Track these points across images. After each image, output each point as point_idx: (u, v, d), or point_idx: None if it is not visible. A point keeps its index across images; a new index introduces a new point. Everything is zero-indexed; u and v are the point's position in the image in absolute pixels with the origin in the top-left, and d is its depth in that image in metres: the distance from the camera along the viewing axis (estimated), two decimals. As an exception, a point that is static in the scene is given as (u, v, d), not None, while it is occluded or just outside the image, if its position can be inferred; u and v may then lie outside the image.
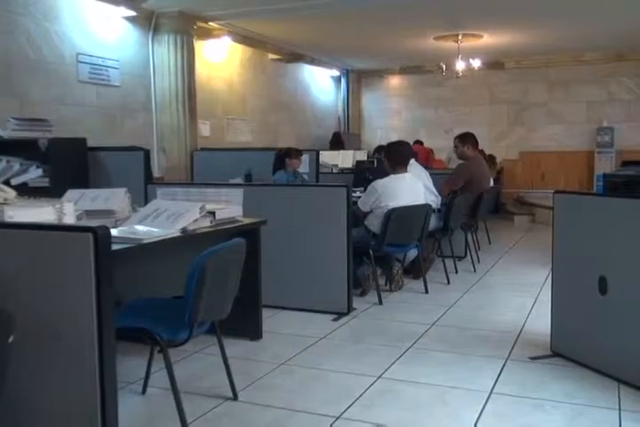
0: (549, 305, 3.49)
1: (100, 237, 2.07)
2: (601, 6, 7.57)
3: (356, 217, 4.76)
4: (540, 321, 3.96)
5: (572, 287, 3.32)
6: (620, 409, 2.75)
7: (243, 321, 3.60)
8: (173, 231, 2.83)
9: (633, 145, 10.83)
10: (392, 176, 4.93)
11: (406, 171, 5.10)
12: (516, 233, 8.80)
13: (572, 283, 3.31)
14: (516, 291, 5.15)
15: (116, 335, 2.18)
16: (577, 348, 3.30)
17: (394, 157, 5.04)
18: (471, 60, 9.95)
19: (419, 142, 10.71)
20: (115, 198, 3.23)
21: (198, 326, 2.50)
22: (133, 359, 3.24)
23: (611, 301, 3.05)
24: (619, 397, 2.88)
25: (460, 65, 9.90)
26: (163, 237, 2.73)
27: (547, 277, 5.11)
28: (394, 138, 10.23)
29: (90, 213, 3.05)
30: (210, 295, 2.44)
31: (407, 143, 5.40)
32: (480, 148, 6.67)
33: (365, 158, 9.55)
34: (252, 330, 3.74)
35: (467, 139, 6.25)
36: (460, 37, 9.18)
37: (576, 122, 11.39)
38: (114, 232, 2.59)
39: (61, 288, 2.12)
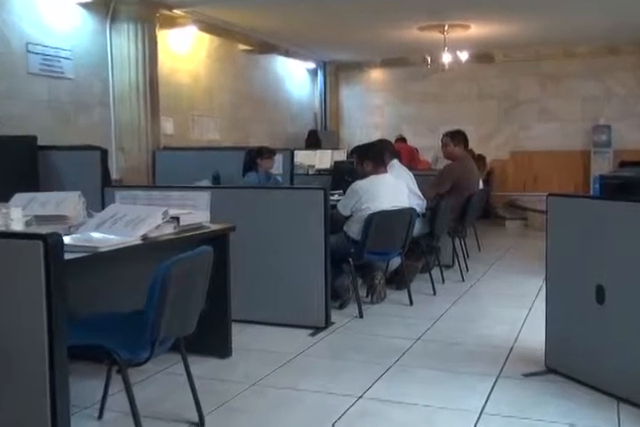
0: (544, 317, 3.52)
1: (52, 245, 2.05)
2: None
3: (334, 222, 4.76)
4: (534, 335, 3.98)
5: (567, 297, 3.34)
6: (619, 429, 2.78)
7: (210, 337, 3.57)
8: (133, 239, 2.81)
9: (631, 144, 10.99)
10: (373, 177, 4.95)
11: (386, 171, 5.11)
12: (507, 239, 8.87)
13: (568, 292, 3.33)
14: (507, 302, 5.18)
15: (69, 354, 2.15)
16: (573, 363, 3.33)
17: (371, 156, 5.05)
18: (458, 53, 10.04)
19: (401, 139, 10.70)
20: (68, 203, 3.20)
21: (161, 343, 2.48)
22: (89, 381, 3.20)
23: (609, 311, 3.08)
24: (618, 416, 2.90)
25: (446, 57, 9.97)
26: (121, 245, 2.71)
27: (540, 287, 5.15)
28: (375, 136, 10.27)
29: (40, 219, 3.02)
30: (173, 309, 2.43)
31: (386, 140, 5.43)
32: (469, 147, 6.71)
33: (344, 158, 9.56)
34: (220, 347, 3.72)
35: (458, 137, 6.27)
36: (446, 28, 9.25)
37: (570, 119, 11.53)
38: (67, 240, 2.56)
39: (8, 302, 2.09)
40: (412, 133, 11.73)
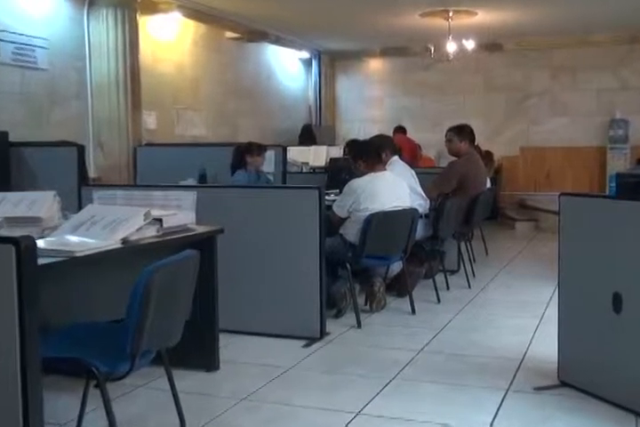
0: (556, 327, 3.52)
1: (24, 249, 2.05)
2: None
3: (330, 224, 4.76)
4: (546, 345, 3.99)
5: (581, 305, 3.35)
6: (638, 448, 2.79)
7: (196, 349, 3.57)
8: (112, 242, 2.80)
9: (650, 140, 11.04)
10: (371, 175, 4.95)
11: (385, 169, 5.12)
12: (517, 242, 8.88)
13: (582, 300, 3.34)
14: (517, 310, 5.19)
15: (43, 367, 2.15)
16: (589, 376, 3.33)
17: (365, 156, 5.05)
18: (464, 41, 10.04)
19: (401, 130, 10.63)
20: (42, 203, 3.19)
21: (142, 355, 2.47)
22: (64, 396, 3.19)
23: (627, 320, 3.08)
24: (637, 433, 2.91)
25: (450, 46, 9.99)
26: (100, 250, 2.70)
27: (553, 294, 5.16)
28: (374, 131, 10.28)
29: (12, 221, 3.01)
30: (156, 319, 2.42)
31: (385, 136, 5.44)
32: (475, 143, 6.72)
33: (341, 155, 9.56)
34: (207, 360, 3.71)
35: (463, 132, 6.28)
36: (450, 14, 9.26)
37: (585, 113, 11.56)
38: (40, 243, 2.55)
39: (-24, 311, 2.08)
40: (413, 128, 11.72)
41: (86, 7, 7.38)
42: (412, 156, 9.80)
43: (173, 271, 2.53)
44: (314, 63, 12.67)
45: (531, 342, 4.29)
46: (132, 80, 7.52)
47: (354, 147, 5.39)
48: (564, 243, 3.42)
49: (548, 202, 9.50)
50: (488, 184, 6.91)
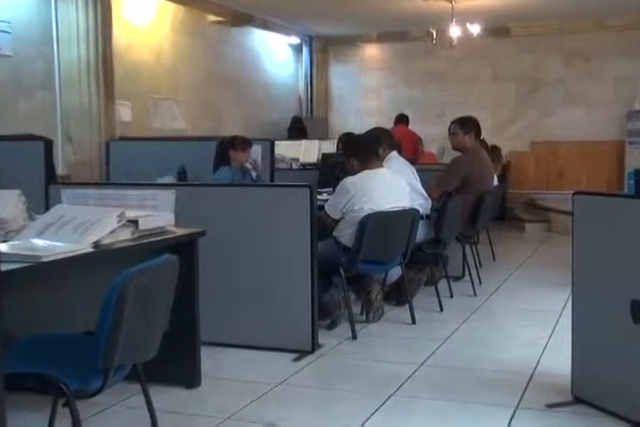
0: (570, 338, 3.53)
1: (-15, 254, 2.04)
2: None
3: (322, 226, 4.76)
4: (559, 358, 4.00)
5: (597, 314, 3.36)
6: (659, 470, 2.80)
7: (175, 363, 3.57)
8: (83, 246, 2.80)
9: (673, 133, 11.07)
10: (366, 172, 4.95)
11: (381, 165, 5.12)
12: (527, 246, 8.89)
13: (598, 309, 3.35)
14: (527, 320, 5.19)
15: (6, 384, 2.14)
16: (605, 392, 3.34)
17: (357, 154, 5.05)
18: (468, 25, 10.07)
19: (403, 121, 10.59)
20: (5, 203, 3.18)
21: (116, 370, 2.47)
22: (30, 415, 3.18)
23: (647, 331, 3.09)
24: (658, 454, 2.92)
25: (454, 31, 10.01)
26: (69, 254, 2.70)
27: (566, 302, 5.17)
28: (371, 124, 10.29)
29: (-29, 223, 3.00)
30: (131, 330, 2.42)
31: (382, 129, 5.44)
32: (481, 137, 6.74)
33: (334, 150, 9.57)
34: (187, 375, 3.71)
35: (469, 125, 6.30)
36: (454, -5, 9.30)
37: (601, 104, 11.60)
38: (3, 247, 2.54)
39: None
40: (414, 121, 11.70)
41: (54, -13, 7.38)
42: (414, 150, 9.80)
43: (150, 278, 2.52)
44: (304, 49, 12.68)
45: (542, 354, 4.29)
46: (105, 68, 7.51)
47: (347, 143, 5.38)
48: (578, 246, 3.42)
49: (561, 201, 9.52)
50: (495, 182, 6.92)
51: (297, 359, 4.20)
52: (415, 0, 9.59)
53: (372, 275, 5.23)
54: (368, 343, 4.60)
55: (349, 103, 13.01)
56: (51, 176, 5.32)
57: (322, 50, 12.88)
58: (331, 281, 4.93)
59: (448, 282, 5.89)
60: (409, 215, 5.03)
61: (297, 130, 11.62)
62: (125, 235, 3.07)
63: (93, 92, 7.44)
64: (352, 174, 5.01)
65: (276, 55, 12.02)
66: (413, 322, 5.04)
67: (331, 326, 4.86)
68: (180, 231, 3.45)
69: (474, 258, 6.70)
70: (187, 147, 7.00)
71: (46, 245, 2.75)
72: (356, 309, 5.11)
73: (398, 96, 12.59)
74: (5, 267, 2.32)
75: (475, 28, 10.16)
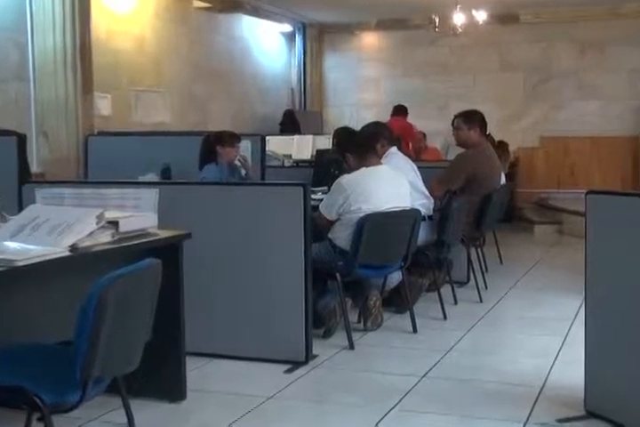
0: (582, 347, 3.53)
1: (-47, 258, 2.04)
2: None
3: (316, 228, 4.77)
4: (571, 370, 4.00)
5: (612, 322, 3.36)
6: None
7: (158, 376, 3.57)
8: (59, 249, 2.80)
9: (693, 128, 11.11)
10: (364, 169, 4.95)
11: (380, 162, 5.12)
12: (536, 249, 8.91)
13: (613, 316, 3.35)
14: (537, 328, 5.20)
15: (-24, 398, 2.14)
16: (620, 406, 3.34)
17: (353, 149, 5.05)
18: (474, 12, 10.08)
19: (401, 112, 10.54)
20: (-25, 203, 3.18)
21: (95, 383, 2.47)
22: (2, 432, 3.18)
23: (665, 341, 3.10)
24: (677, 472, 2.93)
25: (458, 18, 10.02)
26: (44, 258, 2.69)
27: (579, 309, 5.18)
28: (368, 118, 10.30)
29: (-61, 225, 3.00)
30: (111, 340, 2.42)
31: (380, 124, 5.44)
32: (487, 131, 6.74)
33: (330, 146, 9.58)
34: (171, 388, 3.70)
35: (473, 119, 6.30)
36: (458, -20, 9.32)
37: (616, 97, 11.62)
38: (-27, 251, 2.54)
39: None
40: (416, 114, 11.73)
41: (28, -30, 7.37)
42: (415, 146, 9.80)
43: (131, 284, 2.52)
44: (297, 38, 12.68)
45: (553, 365, 4.30)
46: (83, 58, 7.49)
47: (342, 138, 5.38)
48: (591, 249, 3.43)
49: (573, 201, 9.54)
50: (502, 180, 6.93)
51: (289, 371, 4.20)
52: (417, -15, 9.61)
53: (370, 280, 5.24)
54: (366, 354, 4.60)
55: (346, 96, 13.01)
56: (24, 174, 5.30)
57: (316, 38, 12.88)
58: (326, 287, 4.93)
59: (452, 288, 5.89)
60: (410, 216, 5.03)
61: (289, 124, 11.62)
62: (105, 237, 3.07)
63: (70, 84, 7.42)
64: (348, 172, 5.02)
65: (266, 44, 12.02)
66: (414, 331, 5.05)
67: (326, 335, 4.86)
68: (164, 233, 3.45)
69: (479, 262, 6.71)
70: (171, 142, 6.98)
71: (20, 248, 2.75)
72: (353, 316, 5.12)
73: (398, 88, 12.59)
74: (-25, 272, 2.32)
75: (481, 15, 10.18)
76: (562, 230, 10.03)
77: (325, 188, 5.83)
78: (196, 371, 4.08)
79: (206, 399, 3.76)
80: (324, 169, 6.93)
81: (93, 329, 2.35)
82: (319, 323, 4.80)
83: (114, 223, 3.14)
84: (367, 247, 4.73)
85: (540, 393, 3.83)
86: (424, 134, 10.74)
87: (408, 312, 5.16)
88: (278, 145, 9.31)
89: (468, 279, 6.37)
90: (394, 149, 5.82)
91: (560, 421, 3.44)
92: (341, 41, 12.97)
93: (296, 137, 9.88)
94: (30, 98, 7.45)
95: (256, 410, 3.64)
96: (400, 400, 3.75)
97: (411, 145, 10.04)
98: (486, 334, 5.07)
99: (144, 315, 2.69)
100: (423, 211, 5.40)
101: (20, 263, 2.58)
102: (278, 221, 4.28)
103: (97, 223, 3.02)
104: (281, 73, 12.52)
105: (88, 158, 7.30)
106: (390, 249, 4.97)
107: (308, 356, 4.35)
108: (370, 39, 12.90)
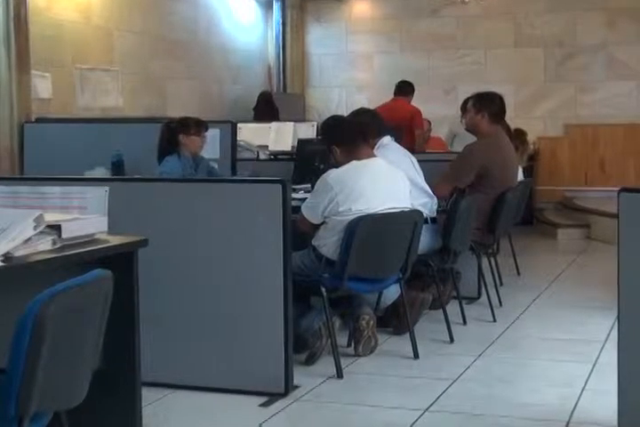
0: (615, 376, 3.55)
1: None
2: None
3: (298, 233, 4.77)
4: (601, 403, 4.02)
5: (650, 346, 3.38)
6: None
7: (109, 411, 3.56)
8: (-11, 260, 2.79)
9: None
10: (353, 163, 4.95)
11: (373, 154, 5.12)
12: (560, 257, 8.93)
13: (652, 338, 3.37)
14: (560, 353, 5.22)
15: None
16: (660, 444, 3.36)
17: (340, 139, 5.06)
18: (485, -24, 10.14)
19: (406, 91, 10.31)
20: None
21: (33, 420, 2.46)
22: None
23: None
24: None
25: (466, -17, 10.07)
26: (-30, 270, 2.68)
27: (610, 331, 5.20)
28: (360, 102, 10.32)
29: None
30: (52, 368, 2.41)
31: (369, 110, 5.45)
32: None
33: (314, 135, 9.59)
34: (124, 425, 3.69)
35: (486, 102, 6.29)
36: (466, -63, 9.36)
37: (655, 76, 11.68)
38: None
39: None
40: (415, 98, 11.75)
41: None
42: (424, 136, 9.80)
43: (76, 300, 2.51)
44: (275, 6, 12.68)
45: (580, 396, 4.31)
46: (18, 30, 7.48)
47: (328, 126, 5.39)
48: (625, 258, 3.44)
49: (604, 201, 9.59)
50: (520, 176, 6.95)
51: (266, 404, 4.19)
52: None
53: (362, 296, 5.24)
54: (357, 384, 4.61)
55: (332, 75, 13.02)
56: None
57: (297, 7, 12.87)
58: (309, 304, 4.94)
59: (460, 304, 5.90)
60: (409, 219, 5.04)
61: (265, 109, 11.62)
62: (44, 245, 3.06)
63: (3, 61, 7.41)
64: (336, 166, 5.02)
65: (237, 14, 12.01)
66: (415, 356, 5.05)
67: (309, 362, 4.86)
68: (116, 240, 3.44)
69: (492, 273, 6.73)
70: (123, 130, 6.99)
71: (-59, 258, 2.74)
72: (342, 339, 5.13)
73: (396, 66, 12.57)
74: None
75: (493, -20, 10.23)
76: (590, 235, 10.06)
77: (308, 185, 5.84)
78: (155, 405, 4.08)
79: (166, 439, 3.77)
80: (307, 163, 6.94)
81: (30, 355, 2.34)
82: (301, 347, 4.80)
83: (55, 228, 3.13)
84: (358, 256, 4.73)
85: (564, 430, 3.86)
86: (429, 121, 10.68)
87: (407, 334, 5.17)
88: (252, 134, 9.31)
89: (480, 294, 6.40)
90: (386, 139, 5.80)
91: (589, 463, 3.46)
92: (327, 10, 12.97)
93: (273, 124, 9.88)
94: (-46, 78, 7.43)
95: (226, 451, 3.65)
96: (398, 439, 3.77)
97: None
98: (501, 360, 5.08)
99: (92, 338, 2.68)
100: (425, 212, 5.41)
101: (-58, 276, 2.58)
102: (252, 225, 4.28)
103: (35, 228, 3.01)
104: (255, 48, 12.53)
105: (24, 150, 7.31)
106: (386, 258, 4.98)
107: (288, 387, 4.35)
108: (361, 8, 12.91)
